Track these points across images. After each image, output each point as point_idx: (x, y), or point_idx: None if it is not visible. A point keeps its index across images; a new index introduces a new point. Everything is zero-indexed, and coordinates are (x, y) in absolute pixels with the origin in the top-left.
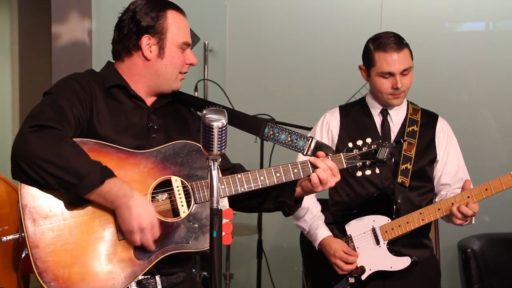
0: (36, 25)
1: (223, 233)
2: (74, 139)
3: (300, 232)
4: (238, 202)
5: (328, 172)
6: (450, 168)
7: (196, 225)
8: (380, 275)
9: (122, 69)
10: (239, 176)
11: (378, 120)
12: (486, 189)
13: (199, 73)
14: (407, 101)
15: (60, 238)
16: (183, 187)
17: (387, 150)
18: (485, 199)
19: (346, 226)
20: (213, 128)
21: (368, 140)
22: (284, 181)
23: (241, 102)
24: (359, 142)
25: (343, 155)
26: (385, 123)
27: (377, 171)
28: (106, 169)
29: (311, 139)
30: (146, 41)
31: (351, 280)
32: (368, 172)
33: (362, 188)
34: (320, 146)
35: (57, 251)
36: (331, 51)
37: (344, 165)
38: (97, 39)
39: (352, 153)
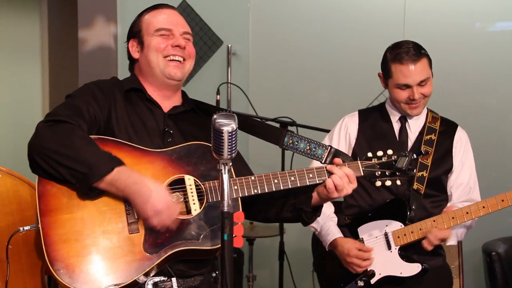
0: (65, 30)
1: (234, 236)
2: (93, 136)
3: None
4: (256, 213)
5: (344, 179)
6: (462, 180)
7: (207, 224)
8: (390, 281)
9: (138, 76)
10: (252, 178)
11: (396, 127)
12: (502, 200)
13: (222, 76)
14: (427, 109)
15: (72, 229)
16: (196, 186)
17: (407, 159)
18: None
19: (358, 229)
20: (223, 133)
21: (389, 151)
22: (299, 185)
23: (263, 105)
24: (380, 153)
25: (361, 162)
26: (403, 131)
27: (398, 182)
28: (115, 158)
29: (329, 147)
30: (131, 44)
31: (361, 283)
32: (388, 182)
33: (377, 193)
34: (338, 155)
35: (69, 241)
36: (354, 53)
37: (362, 173)
38: (123, 43)
39: (370, 162)
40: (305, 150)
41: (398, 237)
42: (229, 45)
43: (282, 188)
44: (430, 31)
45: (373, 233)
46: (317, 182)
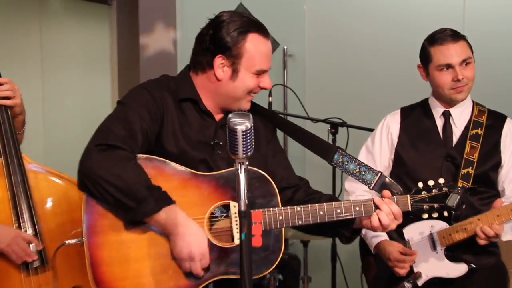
0: (129, 37)
1: (253, 236)
2: (140, 155)
3: None
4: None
5: (390, 216)
6: None
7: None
8: (437, 282)
9: (196, 82)
10: (298, 208)
11: (440, 122)
12: None
13: (278, 78)
14: (473, 102)
15: (119, 252)
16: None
17: (458, 197)
18: None
19: (403, 230)
20: (236, 132)
21: (441, 181)
22: (344, 218)
23: (319, 106)
24: (431, 183)
25: (410, 197)
26: (447, 126)
27: (445, 214)
28: (164, 196)
29: (380, 174)
30: (220, 61)
31: (408, 285)
32: (435, 215)
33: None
34: (386, 184)
35: (115, 264)
36: (411, 54)
37: (410, 208)
38: (182, 48)
39: (420, 195)
40: (354, 172)
41: (443, 237)
42: (285, 47)
43: (326, 220)
44: (491, 27)
45: (419, 233)
46: (363, 215)
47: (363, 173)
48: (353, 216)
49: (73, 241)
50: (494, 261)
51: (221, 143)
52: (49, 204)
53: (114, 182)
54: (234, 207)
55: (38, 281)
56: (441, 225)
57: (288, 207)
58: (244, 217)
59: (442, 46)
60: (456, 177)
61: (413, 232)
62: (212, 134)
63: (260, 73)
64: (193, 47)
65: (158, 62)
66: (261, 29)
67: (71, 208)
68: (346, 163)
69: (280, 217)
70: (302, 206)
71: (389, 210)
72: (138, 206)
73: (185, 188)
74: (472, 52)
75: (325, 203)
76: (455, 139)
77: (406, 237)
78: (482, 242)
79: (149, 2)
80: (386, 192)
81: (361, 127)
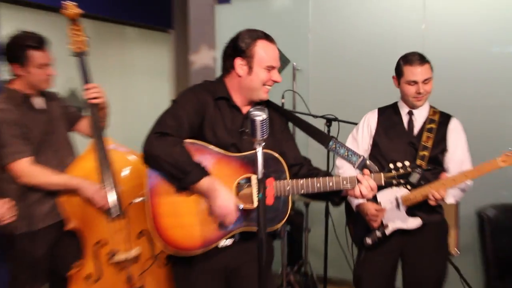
0: (183, 55)
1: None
2: (187, 140)
3: None
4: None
5: (368, 188)
6: (456, 157)
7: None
8: (400, 232)
9: (227, 84)
10: (301, 181)
11: (405, 119)
12: (478, 170)
13: (288, 85)
14: (430, 105)
15: (170, 208)
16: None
17: (418, 176)
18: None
19: (377, 194)
20: (256, 121)
21: (407, 163)
22: (335, 189)
23: (319, 107)
24: (399, 164)
25: (384, 175)
26: (410, 121)
27: (409, 187)
28: (204, 170)
29: (362, 157)
30: (239, 62)
31: (378, 233)
32: (401, 187)
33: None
34: (366, 165)
35: (167, 216)
36: (389, 69)
37: (383, 183)
38: (219, 63)
39: (391, 173)
40: (344, 155)
41: (405, 200)
42: (294, 64)
43: (322, 190)
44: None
45: (388, 197)
46: (349, 188)
47: (350, 156)
48: (341, 188)
49: (139, 199)
50: (439, 218)
51: (246, 130)
52: (123, 173)
53: (167, 159)
54: (254, 178)
55: (117, 225)
56: (404, 191)
57: (294, 180)
58: (261, 182)
59: (412, 66)
60: (415, 158)
61: (384, 196)
62: (240, 123)
63: (270, 68)
64: (221, 57)
65: (202, 73)
66: (267, 37)
67: (138, 176)
68: (338, 148)
69: (288, 187)
70: (304, 179)
71: (367, 184)
72: (185, 177)
73: (219, 164)
74: (432, 71)
75: (321, 178)
76: (415, 131)
77: (378, 200)
78: (432, 203)
79: (196, 30)
80: (366, 171)
81: (348, 121)
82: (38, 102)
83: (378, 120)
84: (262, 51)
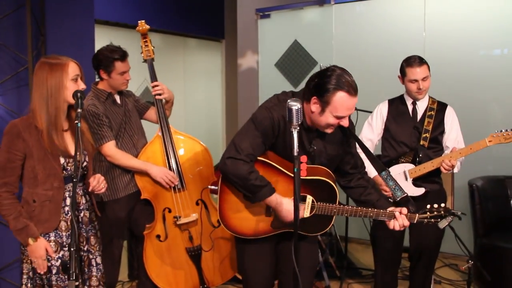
0: (232, 59)
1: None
2: (259, 157)
3: None
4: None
5: (401, 227)
6: (452, 137)
7: (309, 223)
8: None
9: (304, 107)
10: (347, 207)
11: (410, 108)
12: (471, 148)
13: None
14: (429, 96)
15: (234, 204)
16: (312, 202)
17: (447, 224)
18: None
19: (389, 169)
20: (292, 110)
21: (442, 205)
22: (373, 218)
23: None
24: (435, 205)
25: (418, 216)
26: (414, 109)
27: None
28: (272, 188)
29: (406, 194)
30: (314, 101)
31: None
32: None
33: (400, 147)
34: (407, 202)
35: (230, 209)
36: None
37: (415, 221)
38: (261, 67)
39: (425, 215)
40: (391, 187)
41: (411, 173)
42: (321, 64)
43: (362, 217)
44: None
45: (397, 171)
46: (385, 219)
47: (396, 190)
48: (379, 219)
49: (212, 187)
50: (439, 187)
51: (315, 147)
52: (185, 156)
53: (239, 182)
54: (309, 198)
55: (181, 196)
56: (411, 166)
57: (341, 205)
58: (297, 158)
59: (412, 68)
60: (419, 139)
61: (394, 170)
62: (309, 143)
63: (339, 118)
64: (306, 83)
65: (247, 74)
66: (349, 90)
67: (197, 159)
68: (388, 179)
69: (334, 210)
70: (349, 207)
71: (402, 223)
72: (255, 194)
73: (281, 182)
74: (429, 70)
75: (364, 209)
76: (419, 117)
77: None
78: (444, 170)
79: (243, 39)
80: (404, 210)
81: (364, 110)
82: (117, 99)
83: (389, 109)
84: (339, 103)
